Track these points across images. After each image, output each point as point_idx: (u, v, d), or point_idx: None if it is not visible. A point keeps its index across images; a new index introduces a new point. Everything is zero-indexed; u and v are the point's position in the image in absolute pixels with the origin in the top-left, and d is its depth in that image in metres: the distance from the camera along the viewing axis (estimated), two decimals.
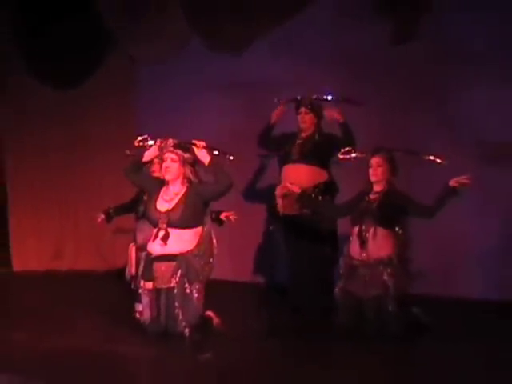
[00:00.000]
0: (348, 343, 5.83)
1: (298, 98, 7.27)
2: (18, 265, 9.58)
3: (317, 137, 7.16)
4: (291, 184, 6.79)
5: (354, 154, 6.50)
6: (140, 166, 6.19)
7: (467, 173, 5.93)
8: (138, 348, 5.67)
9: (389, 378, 5.01)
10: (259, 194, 8.20)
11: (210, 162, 5.86)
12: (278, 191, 7.12)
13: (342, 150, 6.57)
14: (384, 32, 8.02)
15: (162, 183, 6.05)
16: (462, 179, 5.90)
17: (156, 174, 6.72)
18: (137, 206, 7.01)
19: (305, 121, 7.21)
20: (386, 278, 6.02)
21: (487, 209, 7.78)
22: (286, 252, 7.41)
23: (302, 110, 7.21)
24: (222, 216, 6.72)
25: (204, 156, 5.88)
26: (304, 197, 6.71)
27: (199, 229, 5.89)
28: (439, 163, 6.23)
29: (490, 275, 7.72)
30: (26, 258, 9.60)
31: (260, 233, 8.62)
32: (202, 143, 5.92)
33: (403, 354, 5.57)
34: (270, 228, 7.78)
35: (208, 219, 5.99)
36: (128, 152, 7.01)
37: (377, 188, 6.25)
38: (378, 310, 5.99)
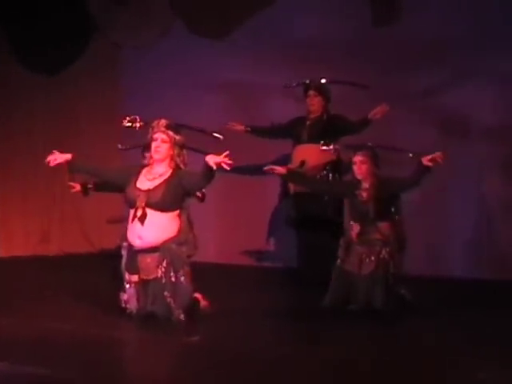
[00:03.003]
0: (337, 322, 5.89)
1: (307, 81, 7.39)
2: (4, 250, 9.56)
3: (325, 118, 7.32)
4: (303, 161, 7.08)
5: (334, 147, 6.73)
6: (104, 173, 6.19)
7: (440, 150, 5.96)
8: (126, 332, 5.69)
9: (375, 355, 5.06)
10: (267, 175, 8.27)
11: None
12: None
13: (322, 142, 6.79)
14: (368, 17, 8.09)
15: (139, 168, 5.95)
16: (436, 157, 5.88)
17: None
18: None
19: (313, 103, 7.38)
20: (385, 256, 6.08)
21: (473, 189, 7.85)
22: (295, 229, 7.52)
23: (311, 92, 7.39)
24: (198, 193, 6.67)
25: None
26: (290, 175, 6.74)
27: (176, 213, 5.78)
28: (417, 155, 6.27)
29: (474, 254, 7.80)
30: (13, 243, 9.59)
31: (260, 214, 8.70)
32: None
33: (391, 332, 5.63)
34: (282, 205, 7.83)
35: (188, 205, 5.90)
36: (120, 146, 7.00)
37: (365, 184, 6.27)
38: (371, 288, 6.05)
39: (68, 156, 5.95)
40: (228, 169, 5.42)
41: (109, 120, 9.28)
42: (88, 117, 9.68)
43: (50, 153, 5.96)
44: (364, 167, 6.22)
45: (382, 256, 6.08)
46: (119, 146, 6.99)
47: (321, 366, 4.74)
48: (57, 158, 5.94)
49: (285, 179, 6.96)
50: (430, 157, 5.87)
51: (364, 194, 6.24)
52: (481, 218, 7.87)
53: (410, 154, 6.36)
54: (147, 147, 6.42)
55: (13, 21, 9.26)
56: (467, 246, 7.86)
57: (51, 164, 5.95)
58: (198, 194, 6.57)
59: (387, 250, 6.08)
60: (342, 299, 6.16)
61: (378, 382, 4.53)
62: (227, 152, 5.42)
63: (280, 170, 6.54)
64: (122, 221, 6.82)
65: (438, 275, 7.73)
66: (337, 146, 6.72)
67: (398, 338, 5.54)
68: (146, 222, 5.69)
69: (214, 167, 5.45)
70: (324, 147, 6.78)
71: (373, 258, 6.09)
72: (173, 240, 5.74)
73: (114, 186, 6.28)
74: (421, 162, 5.91)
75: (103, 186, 7.13)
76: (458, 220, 7.94)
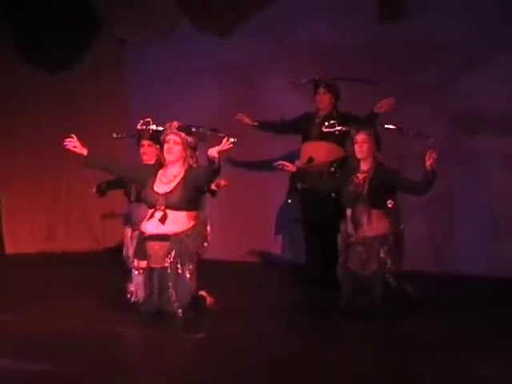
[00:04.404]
0: (346, 318, 5.92)
1: (317, 78, 7.35)
2: (10, 248, 9.59)
3: (334, 116, 7.22)
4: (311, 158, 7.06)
5: (338, 128, 6.64)
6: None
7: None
8: (131, 328, 5.69)
9: (380, 352, 5.07)
10: (273, 171, 8.25)
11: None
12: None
13: (326, 124, 6.74)
14: (375, 15, 8.09)
15: (155, 168, 6.06)
16: (430, 155, 5.87)
17: (145, 157, 6.72)
18: (128, 190, 7.03)
19: (323, 100, 7.33)
20: (382, 255, 6.07)
21: (479, 186, 7.85)
22: (302, 226, 7.51)
23: (321, 90, 7.33)
24: (213, 186, 6.70)
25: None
26: (299, 173, 6.76)
27: (194, 212, 5.88)
28: (424, 138, 6.29)
29: (479, 252, 7.79)
30: (19, 240, 9.61)
31: (266, 211, 8.69)
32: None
33: (395, 330, 5.65)
34: (288, 201, 7.83)
35: (205, 204, 5.99)
36: (115, 135, 7.05)
37: (364, 166, 6.27)
38: (374, 286, 6.05)
39: (84, 151, 6.02)
40: (230, 146, 5.53)
41: (115, 118, 9.30)
42: (94, 115, 9.68)
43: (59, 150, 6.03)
44: (365, 146, 6.23)
45: (381, 255, 6.08)
46: (114, 135, 7.04)
47: (325, 363, 4.75)
48: (76, 145, 6.00)
49: (293, 177, 6.98)
50: (427, 158, 5.89)
51: (360, 177, 6.25)
52: (486, 215, 7.86)
53: (414, 133, 6.36)
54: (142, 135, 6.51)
55: (18, 19, 9.26)
56: (473, 243, 7.84)
57: (67, 146, 6.02)
58: (213, 187, 6.63)
59: (385, 248, 6.09)
60: (353, 297, 6.17)
61: (380, 381, 4.54)
62: (226, 138, 5.55)
63: (290, 167, 6.58)
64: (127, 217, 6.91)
65: (442, 273, 7.73)
66: (340, 128, 6.69)
67: (401, 335, 5.55)
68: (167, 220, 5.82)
69: (217, 156, 5.54)
70: (327, 129, 6.75)
71: (373, 258, 6.09)
72: (185, 233, 5.81)
73: (127, 182, 6.51)
74: (425, 168, 5.92)
75: (114, 184, 7.17)
76: (464, 217, 7.93)
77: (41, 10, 9.11)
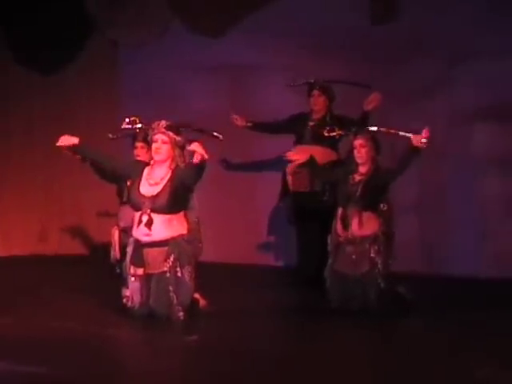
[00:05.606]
0: (341, 319, 5.94)
1: (311, 80, 7.37)
2: (2, 250, 9.55)
3: (328, 119, 7.26)
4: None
5: (338, 132, 6.67)
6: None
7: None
8: (125, 330, 5.69)
9: (375, 353, 5.07)
10: (265, 173, 8.24)
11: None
12: (289, 169, 7.26)
13: (328, 128, 6.75)
14: (368, 13, 8.09)
15: (144, 165, 5.98)
16: (422, 137, 5.94)
17: (140, 158, 6.71)
18: (121, 190, 7.02)
19: (317, 103, 7.35)
20: (373, 255, 6.08)
21: (472, 186, 7.86)
22: (295, 228, 7.53)
23: (315, 92, 7.36)
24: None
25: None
26: (310, 162, 6.79)
27: (182, 213, 5.84)
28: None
29: (473, 252, 7.80)
30: (11, 242, 9.58)
31: (258, 213, 8.69)
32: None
33: (389, 331, 5.66)
34: (281, 204, 7.84)
35: (195, 204, 5.94)
36: (110, 136, 7.03)
37: (362, 169, 6.30)
38: (366, 287, 6.05)
39: (75, 140, 5.98)
40: (204, 158, 5.52)
41: (107, 118, 9.27)
42: (86, 115, 9.67)
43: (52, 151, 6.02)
44: (363, 151, 6.25)
45: (371, 255, 6.09)
46: (110, 135, 7.02)
47: (320, 365, 4.75)
48: (63, 140, 5.98)
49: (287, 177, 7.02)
50: (418, 138, 5.93)
51: (356, 178, 6.28)
52: (479, 215, 7.88)
53: (409, 135, 6.38)
54: (136, 136, 6.49)
55: (11, 20, 9.25)
56: (466, 244, 7.86)
57: (61, 145, 6.01)
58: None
59: (375, 248, 6.10)
60: (342, 298, 6.17)
61: (376, 381, 4.54)
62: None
63: (297, 157, 6.79)
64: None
65: (436, 274, 7.75)
66: (341, 132, 6.72)
67: (396, 336, 5.56)
68: (153, 225, 5.73)
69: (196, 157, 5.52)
70: (327, 133, 6.77)
71: (364, 259, 6.11)
72: (182, 237, 5.79)
73: (114, 175, 6.47)
74: (411, 144, 5.97)
75: (100, 170, 7.06)
76: (457, 218, 7.95)
77: (34, 10, 9.09)
